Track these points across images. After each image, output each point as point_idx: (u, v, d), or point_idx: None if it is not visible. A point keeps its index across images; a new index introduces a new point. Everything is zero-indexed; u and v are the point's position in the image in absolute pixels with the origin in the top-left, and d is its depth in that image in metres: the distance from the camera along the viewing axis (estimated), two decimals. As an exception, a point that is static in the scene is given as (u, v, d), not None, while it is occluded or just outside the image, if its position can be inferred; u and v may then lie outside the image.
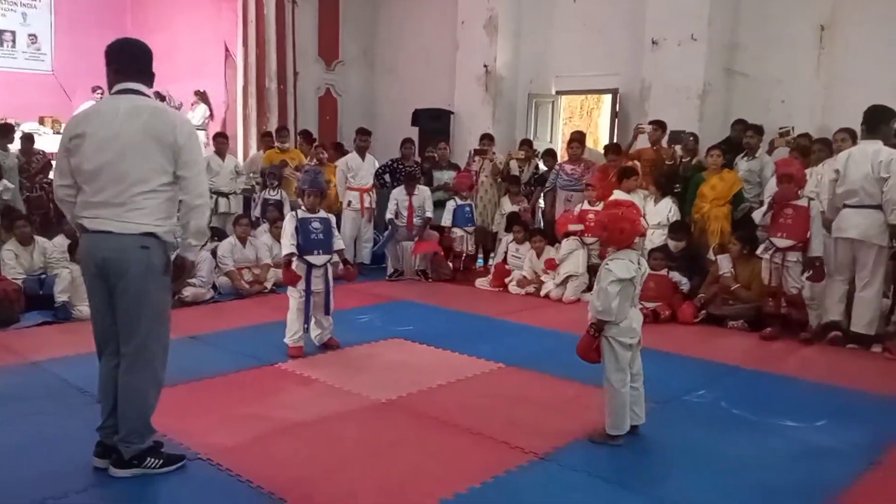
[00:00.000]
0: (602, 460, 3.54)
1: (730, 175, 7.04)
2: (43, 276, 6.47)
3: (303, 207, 5.32)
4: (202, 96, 12.28)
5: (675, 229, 6.87)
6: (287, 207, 8.06)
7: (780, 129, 7.53)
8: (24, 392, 4.33)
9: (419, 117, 10.36)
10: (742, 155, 7.26)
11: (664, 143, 7.82)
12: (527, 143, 8.97)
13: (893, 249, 5.65)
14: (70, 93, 13.06)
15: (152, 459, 3.25)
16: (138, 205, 3.11)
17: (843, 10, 7.55)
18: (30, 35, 13.48)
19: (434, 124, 10.26)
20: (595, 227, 6.73)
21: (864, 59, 7.32)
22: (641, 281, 3.78)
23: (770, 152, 7.33)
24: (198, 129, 11.18)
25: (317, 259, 5.19)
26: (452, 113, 10.50)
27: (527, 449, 3.60)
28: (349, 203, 8.45)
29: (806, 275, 5.75)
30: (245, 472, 3.29)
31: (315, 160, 8.78)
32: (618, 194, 6.83)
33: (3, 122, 9.68)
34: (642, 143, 8.00)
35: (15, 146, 8.90)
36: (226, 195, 8.71)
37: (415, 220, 8.10)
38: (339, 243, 5.43)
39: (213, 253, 7.22)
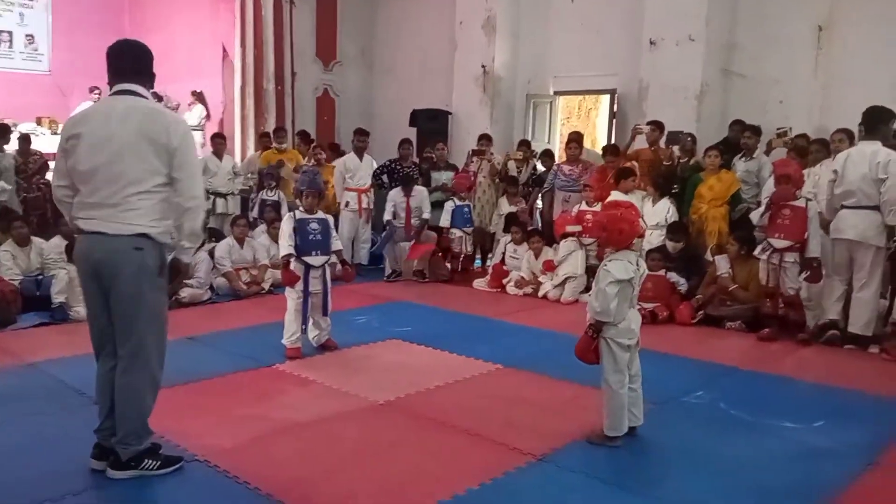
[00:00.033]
0: (600, 461, 3.54)
1: (727, 176, 7.04)
2: (40, 276, 6.46)
3: (301, 208, 5.32)
4: (199, 97, 12.27)
5: (673, 230, 6.88)
6: (285, 208, 8.06)
7: (778, 129, 7.53)
8: (21, 393, 4.33)
9: (417, 118, 10.35)
10: (740, 155, 7.26)
11: (662, 143, 7.82)
12: (525, 144, 8.97)
13: (891, 250, 5.66)
14: (67, 93, 13.04)
15: (150, 461, 3.25)
16: (132, 205, 3.10)
17: (840, 11, 7.55)
18: (27, 35, 13.45)
19: (432, 125, 10.25)
20: (594, 228, 6.74)
21: (862, 60, 7.33)
22: (640, 282, 3.79)
23: (768, 153, 7.34)
24: (194, 130, 11.25)
25: (315, 260, 5.19)
26: (450, 113, 10.49)
27: (525, 450, 3.60)
28: (347, 204, 8.44)
29: (803, 275, 5.76)
30: (243, 473, 3.28)
31: (313, 161, 8.78)
32: (615, 195, 6.83)
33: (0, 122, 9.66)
34: (640, 143, 8.00)
35: (12, 147, 8.89)
36: (223, 196, 8.71)
37: (412, 220, 8.10)
38: (337, 244, 5.43)
39: (211, 254, 7.21)
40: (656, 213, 7.17)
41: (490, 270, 8.06)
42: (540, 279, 7.54)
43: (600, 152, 8.49)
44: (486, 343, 5.56)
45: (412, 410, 4.18)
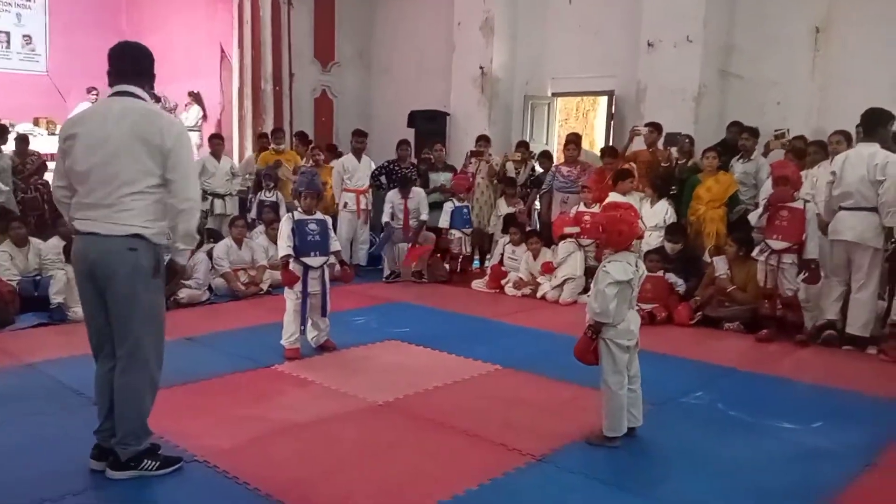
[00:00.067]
0: (599, 462, 3.55)
1: (725, 177, 7.05)
2: (38, 277, 6.46)
3: (299, 209, 5.32)
4: (196, 97, 12.27)
5: (671, 231, 6.89)
6: (283, 209, 8.06)
7: (776, 131, 7.55)
8: (19, 394, 4.32)
9: (415, 119, 10.36)
10: (737, 157, 7.27)
11: (660, 145, 7.83)
12: (523, 145, 8.97)
13: (889, 252, 5.67)
14: (65, 94, 13.03)
15: (149, 462, 3.25)
16: (126, 206, 3.10)
17: (838, 12, 7.57)
18: (24, 36, 13.44)
19: (430, 126, 10.26)
20: (593, 229, 6.74)
21: (860, 61, 7.34)
22: (639, 283, 3.79)
23: (765, 154, 7.35)
24: (191, 131, 11.26)
25: (313, 261, 5.19)
26: (448, 114, 10.49)
27: (524, 451, 3.60)
28: (345, 204, 8.44)
29: (801, 277, 5.77)
30: (242, 473, 3.28)
31: (311, 161, 8.78)
32: (613, 196, 6.84)
33: (-3, 123, 9.65)
34: (638, 145, 8.01)
35: (9, 147, 8.88)
36: (221, 197, 8.70)
37: (410, 222, 8.10)
38: (335, 245, 5.43)
39: (209, 254, 7.21)
40: (655, 215, 7.18)
41: (488, 271, 8.07)
42: (538, 280, 7.54)
43: (598, 154, 8.49)
44: (484, 344, 5.56)
45: (411, 411, 4.18)
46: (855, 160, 5.57)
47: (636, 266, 3.73)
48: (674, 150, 7.70)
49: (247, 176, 9.28)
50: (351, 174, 8.48)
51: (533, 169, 8.79)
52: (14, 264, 6.42)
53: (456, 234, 8.22)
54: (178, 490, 3.19)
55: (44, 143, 10.34)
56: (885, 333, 5.65)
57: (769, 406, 4.37)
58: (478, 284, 7.95)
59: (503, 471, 3.39)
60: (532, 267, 7.64)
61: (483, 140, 8.86)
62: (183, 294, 6.62)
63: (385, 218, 8.14)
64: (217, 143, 8.91)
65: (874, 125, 5.61)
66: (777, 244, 5.77)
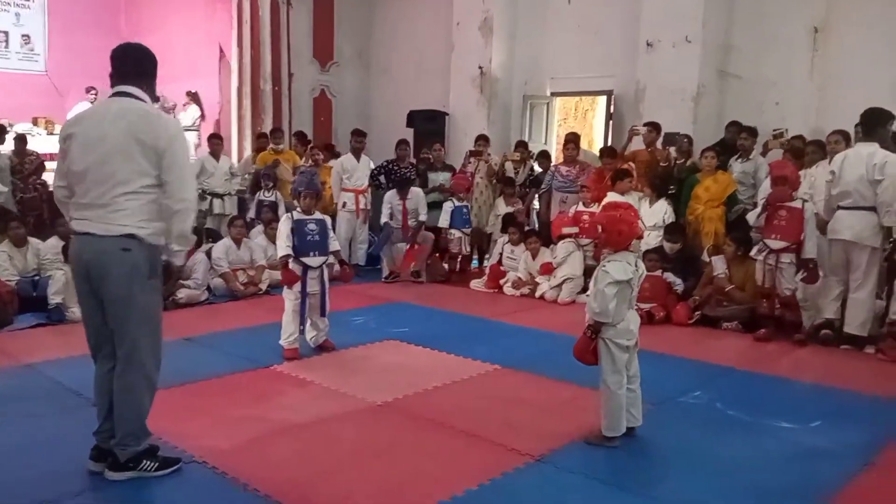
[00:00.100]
0: (598, 462, 3.55)
1: (724, 177, 7.06)
2: (37, 277, 6.45)
3: (298, 209, 5.32)
4: (194, 97, 12.26)
5: (670, 231, 6.89)
6: (282, 209, 8.05)
7: (774, 130, 7.56)
8: (18, 394, 4.32)
9: (414, 118, 10.36)
10: (736, 157, 7.28)
11: (659, 144, 7.83)
12: (522, 145, 8.98)
13: (887, 251, 5.68)
14: (63, 93, 13.02)
15: (148, 462, 3.24)
16: (120, 206, 3.09)
17: (837, 12, 7.58)
18: (23, 35, 13.42)
19: (429, 125, 10.26)
20: (592, 229, 6.75)
21: (858, 61, 7.35)
22: (639, 283, 3.79)
23: (764, 154, 7.37)
24: (189, 131, 11.27)
25: (313, 261, 5.19)
26: (447, 114, 10.49)
27: (523, 451, 3.60)
28: (344, 204, 8.44)
29: (800, 276, 5.78)
30: (241, 474, 3.28)
31: (310, 161, 8.78)
32: (612, 196, 6.84)
33: (-4, 123, 9.65)
34: (637, 144, 8.01)
35: (8, 147, 8.87)
36: (220, 196, 8.69)
37: (409, 222, 8.10)
38: (335, 244, 5.43)
39: (208, 254, 7.20)
40: (653, 214, 7.18)
41: (487, 271, 8.07)
42: (537, 280, 7.55)
43: (597, 153, 8.50)
44: (483, 344, 5.56)
45: (410, 411, 4.18)
46: (854, 160, 5.58)
47: (636, 266, 3.73)
48: (672, 149, 7.71)
49: (246, 176, 9.28)
50: (350, 174, 8.48)
51: (532, 169, 8.80)
52: (13, 264, 6.41)
53: (455, 233, 8.22)
54: (177, 491, 3.19)
55: (42, 143, 10.31)
56: (882, 333, 5.66)
57: (768, 405, 4.38)
58: (476, 284, 7.96)
59: (503, 471, 3.39)
60: (531, 266, 7.65)
61: (482, 140, 8.86)
62: (181, 294, 6.62)
63: (384, 218, 8.14)
64: (216, 142, 8.91)
65: (874, 125, 5.62)
66: (775, 244, 5.78)
